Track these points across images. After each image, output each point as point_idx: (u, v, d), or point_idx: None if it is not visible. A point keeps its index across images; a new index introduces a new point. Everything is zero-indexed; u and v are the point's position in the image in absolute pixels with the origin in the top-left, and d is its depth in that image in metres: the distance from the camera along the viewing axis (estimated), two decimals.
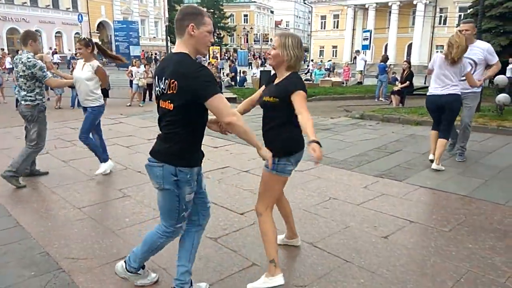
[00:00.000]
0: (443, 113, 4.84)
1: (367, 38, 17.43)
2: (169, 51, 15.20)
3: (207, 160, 5.74)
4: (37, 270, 2.75)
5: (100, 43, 5.08)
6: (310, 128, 2.20)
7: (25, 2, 33.63)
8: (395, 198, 4.09)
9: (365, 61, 18.55)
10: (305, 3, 58.85)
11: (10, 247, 3.09)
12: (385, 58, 13.05)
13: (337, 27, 49.69)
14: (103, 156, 4.99)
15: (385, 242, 3.13)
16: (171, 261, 2.86)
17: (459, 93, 4.80)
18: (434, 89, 4.85)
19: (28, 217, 3.67)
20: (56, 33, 36.30)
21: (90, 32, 36.51)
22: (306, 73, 25.06)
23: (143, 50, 37.51)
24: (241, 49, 53.41)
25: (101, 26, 41.29)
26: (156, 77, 2.14)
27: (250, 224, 3.48)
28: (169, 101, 2.04)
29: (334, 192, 4.28)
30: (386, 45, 42.94)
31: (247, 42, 62.66)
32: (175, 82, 1.98)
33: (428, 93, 5.02)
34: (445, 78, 4.73)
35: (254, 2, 70.66)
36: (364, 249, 3.02)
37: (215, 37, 59.34)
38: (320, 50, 50.96)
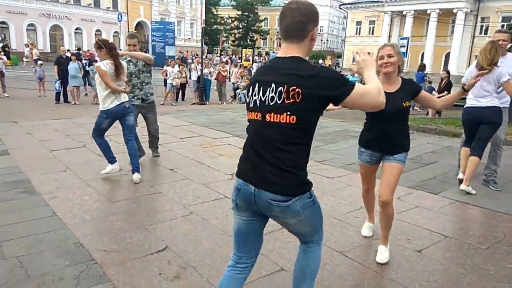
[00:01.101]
0: (480, 127, 4.55)
1: (404, 46, 17.00)
2: (203, 53, 15.42)
3: (237, 161, 5.79)
4: (71, 260, 2.84)
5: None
6: None
7: (69, 1, 35.03)
8: (429, 211, 3.95)
9: None
10: (340, 8, 58.29)
11: (46, 236, 3.20)
12: (423, 67, 12.70)
13: (372, 33, 48.92)
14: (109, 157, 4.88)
15: (419, 256, 3.03)
16: (202, 260, 2.88)
17: (500, 106, 4.45)
18: (472, 100, 4.58)
19: (64, 208, 3.79)
20: (96, 31, 37.57)
21: (128, 31, 37.58)
22: None
23: (180, 51, 38.30)
24: (273, 52, 53.45)
25: (139, 26, 42.40)
26: (256, 84, 1.79)
27: (279, 228, 3.43)
28: (288, 113, 1.68)
29: None
30: (423, 53, 41.85)
31: (279, 45, 62.67)
32: (297, 89, 1.66)
33: (466, 105, 4.73)
34: (482, 89, 4.45)
35: None
36: (396, 262, 2.93)
37: (248, 40, 60.13)
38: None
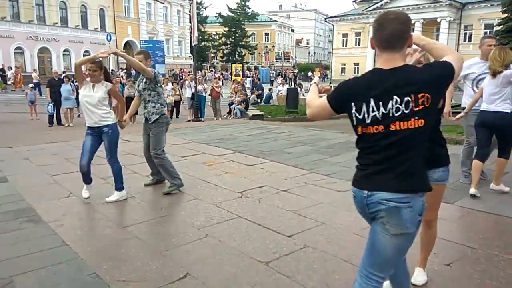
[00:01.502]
0: (495, 132, 4.57)
1: None
2: (194, 70, 15.42)
3: (243, 178, 5.69)
4: None
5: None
6: None
7: (56, 23, 34.91)
8: (449, 222, 3.88)
9: None
10: (326, 21, 59.19)
11: (59, 267, 3.04)
12: None
13: (358, 45, 49.64)
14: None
15: (450, 271, 2.94)
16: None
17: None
18: (486, 106, 4.57)
19: (73, 236, 3.64)
20: (85, 51, 37.40)
21: None
22: None
23: (171, 69, 38.33)
24: (262, 66, 53.83)
25: (128, 45, 42.39)
26: (372, 100, 1.77)
27: (301, 247, 3.34)
28: (415, 118, 1.72)
29: None
30: None
31: (268, 60, 63.20)
32: (426, 94, 1.71)
33: (481, 109, 4.70)
34: (494, 94, 4.48)
35: (275, 21, 71.56)
36: (427, 277, 2.84)
37: (236, 55, 60.60)
38: (342, 68, 50.95)
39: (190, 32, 51.16)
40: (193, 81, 14.38)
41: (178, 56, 48.93)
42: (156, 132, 4.93)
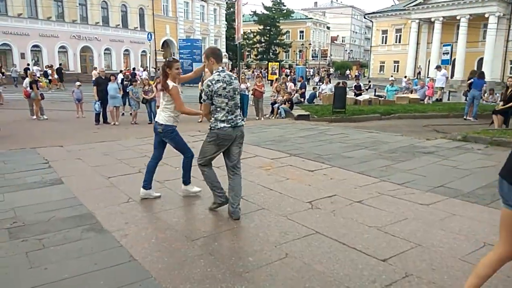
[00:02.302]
0: None
1: (448, 53, 16.27)
2: (239, 68, 15.14)
3: (308, 186, 5.26)
4: None
5: (164, 60, 4.80)
6: None
7: (98, 22, 35.75)
8: None
9: (446, 77, 17.21)
10: (365, 18, 57.63)
11: None
12: (482, 74, 12.00)
13: (399, 42, 47.96)
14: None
15: None
16: None
17: None
18: None
19: (141, 250, 3.33)
20: (125, 51, 38.18)
21: (155, 50, 38.04)
22: (367, 89, 23.97)
23: None
24: (297, 64, 53.13)
25: (165, 44, 42.93)
26: None
27: (402, 276, 2.86)
28: None
29: (485, 236, 3.55)
30: (454, 60, 40.49)
31: (303, 58, 62.39)
32: None
33: None
34: None
35: (311, 18, 70.57)
36: None
37: (270, 53, 60.12)
38: (381, 66, 49.41)
39: (226, 30, 51.51)
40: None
41: None
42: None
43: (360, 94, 15.63)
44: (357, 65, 59.57)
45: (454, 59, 40.40)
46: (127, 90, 12.73)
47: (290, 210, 4.26)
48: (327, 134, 9.16)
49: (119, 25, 37.53)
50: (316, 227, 3.77)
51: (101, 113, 12.01)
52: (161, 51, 41.52)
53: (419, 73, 44.90)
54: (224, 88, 3.88)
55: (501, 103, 9.34)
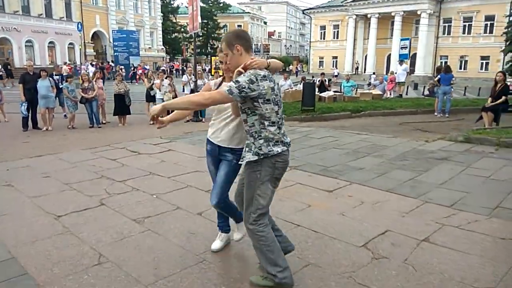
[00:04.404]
0: None
1: (406, 47, 16.03)
2: (195, 62, 13.63)
3: (342, 216, 3.88)
4: None
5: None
6: None
7: (17, 11, 31.46)
8: None
9: (407, 72, 16.96)
10: (303, 13, 57.92)
11: None
12: (449, 68, 11.72)
13: (337, 37, 48.72)
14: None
15: None
16: None
17: None
18: None
19: None
20: (49, 43, 34.14)
21: (84, 42, 34.52)
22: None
23: (142, 62, 35.56)
24: None
25: (95, 36, 39.30)
26: None
27: None
28: None
29: None
30: (389, 55, 41.92)
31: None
32: None
33: None
34: None
35: (248, 13, 69.72)
36: None
37: (209, 47, 58.32)
38: (320, 61, 49.89)
39: (162, 23, 48.61)
40: (192, 75, 12.50)
41: (150, 48, 46.11)
42: (249, 180, 2.61)
43: (325, 91, 14.79)
44: (297, 60, 59.79)
45: (389, 54, 41.81)
46: (62, 87, 10.58)
47: (348, 263, 3.00)
48: (313, 137, 8.01)
49: (42, 14, 33.36)
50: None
51: (30, 116, 9.77)
52: (91, 43, 37.94)
53: (357, 68, 46.01)
54: (273, 90, 2.48)
55: (490, 99, 8.90)
